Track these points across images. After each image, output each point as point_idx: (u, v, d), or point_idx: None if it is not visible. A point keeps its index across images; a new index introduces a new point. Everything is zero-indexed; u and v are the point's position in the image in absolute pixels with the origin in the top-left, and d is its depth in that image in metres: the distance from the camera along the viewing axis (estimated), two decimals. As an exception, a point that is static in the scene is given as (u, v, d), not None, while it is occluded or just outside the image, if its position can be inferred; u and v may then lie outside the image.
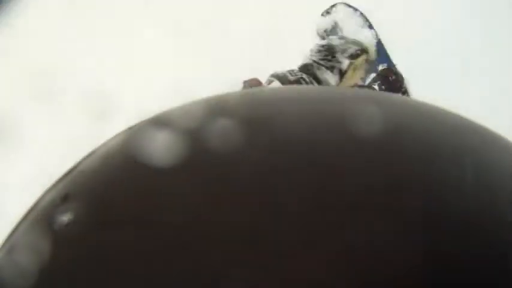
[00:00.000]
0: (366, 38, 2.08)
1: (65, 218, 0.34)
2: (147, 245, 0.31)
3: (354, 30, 2.10)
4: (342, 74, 1.90)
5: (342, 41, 2.01)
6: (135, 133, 0.41)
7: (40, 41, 2.45)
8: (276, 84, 1.88)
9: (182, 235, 0.31)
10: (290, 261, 0.28)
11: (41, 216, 0.36)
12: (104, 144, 0.41)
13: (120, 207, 0.34)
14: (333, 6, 2.20)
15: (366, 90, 0.55)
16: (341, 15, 2.17)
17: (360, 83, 1.94)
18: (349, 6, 2.18)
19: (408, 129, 0.41)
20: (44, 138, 2.04)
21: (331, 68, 1.89)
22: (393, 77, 1.95)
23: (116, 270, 0.30)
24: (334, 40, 2.02)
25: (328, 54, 1.94)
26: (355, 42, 2.02)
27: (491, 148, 0.41)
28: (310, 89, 0.49)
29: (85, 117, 1.95)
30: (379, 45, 2.11)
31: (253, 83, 1.88)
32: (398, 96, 0.47)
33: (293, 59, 1.98)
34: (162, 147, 0.36)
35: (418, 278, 0.28)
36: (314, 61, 1.91)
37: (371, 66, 2.04)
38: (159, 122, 0.41)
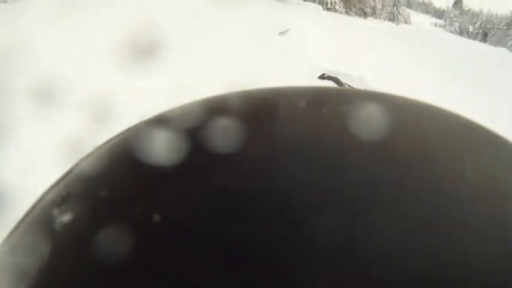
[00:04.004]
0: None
1: (65, 218, 0.34)
2: (147, 244, 0.31)
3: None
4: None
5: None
6: (135, 133, 0.41)
7: (41, 42, 2.45)
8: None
9: (181, 234, 0.31)
10: (286, 264, 0.28)
11: (41, 216, 0.36)
12: (104, 145, 0.41)
13: (119, 206, 0.34)
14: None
15: (366, 90, 0.55)
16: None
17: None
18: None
19: (409, 128, 0.41)
20: (43, 138, 2.04)
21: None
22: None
23: (116, 270, 0.30)
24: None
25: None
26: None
27: (491, 147, 0.41)
28: (309, 88, 0.49)
29: (85, 117, 1.95)
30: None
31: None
32: (398, 96, 0.47)
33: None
34: (162, 147, 0.36)
35: (418, 275, 0.28)
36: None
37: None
38: (159, 122, 0.41)
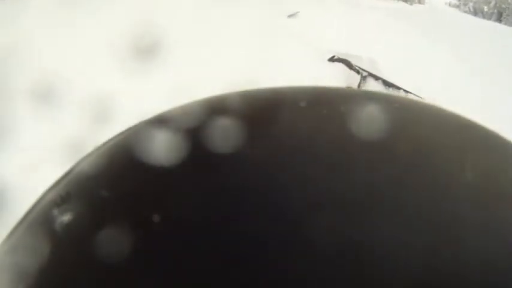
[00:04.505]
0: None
1: (65, 218, 0.34)
2: (146, 243, 0.31)
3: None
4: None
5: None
6: (135, 133, 0.41)
7: (41, 42, 2.45)
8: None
9: (181, 234, 0.31)
10: (288, 265, 0.28)
11: (41, 216, 0.36)
12: (104, 145, 0.41)
13: (119, 206, 0.34)
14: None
15: (366, 90, 0.55)
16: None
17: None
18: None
19: (409, 128, 0.41)
20: (43, 138, 2.04)
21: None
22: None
23: (116, 270, 0.30)
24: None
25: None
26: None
27: (491, 147, 0.41)
28: (309, 88, 0.49)
29: (85, 117, 1.95)
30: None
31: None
32: (398, 96, 0.47)
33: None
34: (162, 147, 0.36)
35: (418, 274, 0.28)
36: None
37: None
38: (159, 122, 0.41)
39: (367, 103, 0.43)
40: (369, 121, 0.38)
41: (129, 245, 0.30)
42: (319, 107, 0.43)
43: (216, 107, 0.43)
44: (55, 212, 0.35)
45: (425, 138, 0.40)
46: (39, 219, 0.36)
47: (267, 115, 0.42)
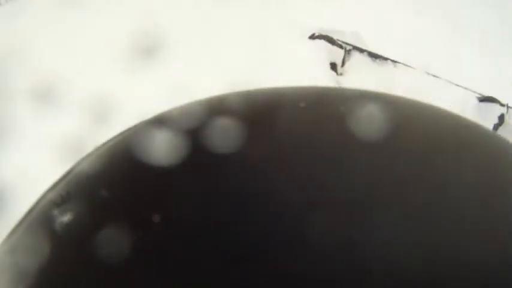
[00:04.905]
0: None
1: (65, 218, 0.34)
2: (146, 243, 0.31)
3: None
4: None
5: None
6: (135, 133, 0.41)
7: (41, 43, 2.45)
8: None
9: (181, 234, 0.31)
10: (288, 262, 0.28)
11: (41, 216, 0.36)
12: (104, 145, 0.41)
13: (119, 206, 0.35)
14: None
15: (365, 90, 0.55)
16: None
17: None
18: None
19: (408, 127, 0.41)
20: (44, 138, 2.04)
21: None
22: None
23: (115, 269, 0.30)
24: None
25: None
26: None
27: (489, 146, 0.41)
28: (309, 88, 0.49)
29: (85, 117, 1.95)
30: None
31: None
32: (398, 96, 0.47)
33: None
34: (162, 147, 0.36)
35: (418, 272, 0.28)
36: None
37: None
38: (159, 122, 0.41)
39: (367, 103, 0.43)
40: (368, 121, 0.38)
41: (129, 244, 0.30)
42: (319, 107, 0.43)
43: (216, 107, 0.43)
44: (55, 212, 0.35)
45: (425, 138, 0.40)
46: (39, 219, 0.36)
47: (267, 115, 0.42)
